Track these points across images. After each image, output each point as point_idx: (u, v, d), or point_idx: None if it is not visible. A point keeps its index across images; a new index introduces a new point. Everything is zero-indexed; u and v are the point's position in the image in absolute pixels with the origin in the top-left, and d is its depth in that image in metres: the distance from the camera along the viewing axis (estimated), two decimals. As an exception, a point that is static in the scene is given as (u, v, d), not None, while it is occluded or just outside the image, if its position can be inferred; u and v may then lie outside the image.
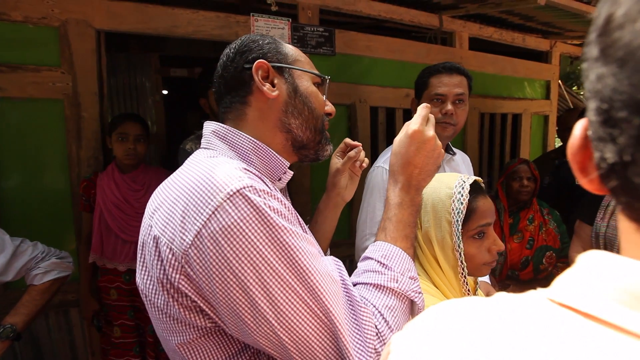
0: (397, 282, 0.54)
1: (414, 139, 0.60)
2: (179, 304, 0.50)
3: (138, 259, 0.55)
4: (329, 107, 0.66)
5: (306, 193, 1.89)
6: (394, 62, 2.11)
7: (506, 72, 2.59)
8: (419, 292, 0.56)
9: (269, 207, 0.48)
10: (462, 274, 0.73)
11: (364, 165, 0.81)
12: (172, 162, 2.22)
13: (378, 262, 0.56)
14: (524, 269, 1.70)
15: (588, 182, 0.24)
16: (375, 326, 0.50)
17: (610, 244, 1.27)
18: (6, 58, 1.40)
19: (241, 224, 0.46)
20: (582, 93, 4.71)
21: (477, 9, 2.06)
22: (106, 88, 1.62)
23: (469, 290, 0.75)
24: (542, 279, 1.69)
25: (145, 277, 0.53)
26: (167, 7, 1.60)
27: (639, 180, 0.19)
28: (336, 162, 0.81)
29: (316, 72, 0.65)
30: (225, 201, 0.46)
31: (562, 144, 2.58)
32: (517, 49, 2.74)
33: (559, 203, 1.91)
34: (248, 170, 0.52)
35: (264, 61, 0.60)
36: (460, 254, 0.72)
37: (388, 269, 0.55)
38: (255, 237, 0.46)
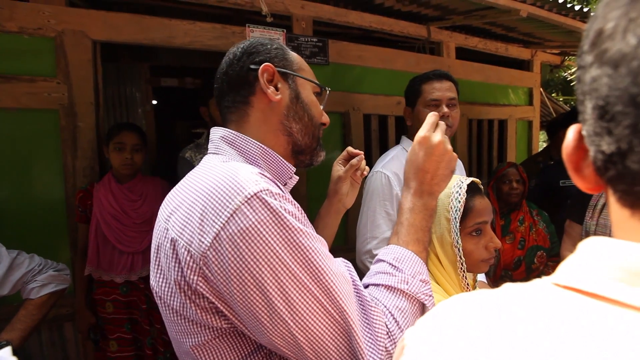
0: (407, 284, 0.55)
1: (422, 144, 0.62)
2: (195, 305, 0.50)
3: (153, 262, 0.56)
4: (325, 118, 0.69)
5: (303, 200, 1.91)
6: (385, 71, 2.18)
7: (491, 80, 2.70)
8: (430, 295, 0.57)
9: (285, 209, 0.49)
10: (462, 269, 0.77)
11: (365, 173, 0.84)
12: (162, 171, 2.21)
13: (390, 264, 0.57)
14: (517, 269, 1.75)
15: (582, 181, 0.27)
16: (386, 325, 0.51)
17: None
18: (0, 69, 1.38)
19: (259, 226, 0.47)
20: (561, 99, 4.92)
21: (463, 20, 2.15)
22: (102, 98, 1.61)
23: (468, 285, 0.79)
24: (534, 277, 1.75)
25: (161, 279, 0.53)
26: (164, 18, 1.62)
27: (636, 166, 0.22)
28: (338, 169, 0.83)
29: (318, 82, 0.68)
30: (243, 204, 0.47)
31: (545, 146, 2.69)
32: (500, 58, 2.86)
33: (544, 204, 1.98)
34: (263, 175, 0.53)
35: (271, 65, 0.61)
36: (458, 249, 0.76)
37: (399, 271, 0.56)
38: (273, 239, 0.47)
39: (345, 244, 2.02)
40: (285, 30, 1.82)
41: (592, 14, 0.27)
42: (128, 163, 1.47)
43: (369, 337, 0.50)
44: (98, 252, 1.45)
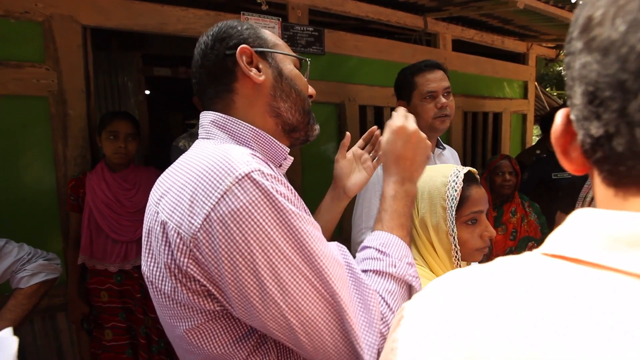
0: (395, 267, 0.56)
1: (399, 134, 0.64)
2: (187, 288, 0.50)
3: (144, 246, 0.55)
4: (311, 89, 0.67)
5: (298, 190, 1.89)
6: (381, 62, 2.16)
7: (487, 73, 2.70)
8: (416, 277, 0.58)
9: (277, 191, 0.48)
10: (456, 257, 0.78)
11: (380, 160, 0.79)
12: (155, 161, 2.18)
13: (376, 249, 0.58)
14: (509, 260, 1.78)
15: (569, 163, 0.28)
16: (380, 310, 0.52)
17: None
18: (-14, 54, 1.35)
19: (250, 207, 0.46)
20: (555, 94, 4.95)
21: (460, 11, 2.14)
22: (93, 85, 1.58)
23: None
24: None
25: (152, 264, 0.53)
26: (156, 4, 1.58)
27: (620, 148, 0.23)
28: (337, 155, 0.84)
29: (296, 54, 0.65)
30: (234, 185, 0.46)
31: (540, 138, 2.71)
32: (495, 51, 2.86)
33: (536, 196, 2.01)
34: (255, 155, 0.53)
35: (247, 46, 0.59)
36: (454, 238, 0.76)
37: (386, 256, 0.57)
38: (264, 220, 0.46)
39: (340, 234, 2.03)
40: (280, 19, 1.79)
41: (581, 1, 0.27)
42: (121, 152, 1.45)
43: (365, 321, 0.50)
44: (91, 241, 1.44)
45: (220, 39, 0.61)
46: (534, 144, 2.87)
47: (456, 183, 0.77)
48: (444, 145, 1.43)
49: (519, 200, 1.86)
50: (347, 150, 0.84)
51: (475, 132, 2.77)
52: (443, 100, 1.26)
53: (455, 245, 0.77)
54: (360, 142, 0.86)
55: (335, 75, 2.00)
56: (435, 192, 0.78)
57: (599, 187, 0.26)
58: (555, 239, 0.26)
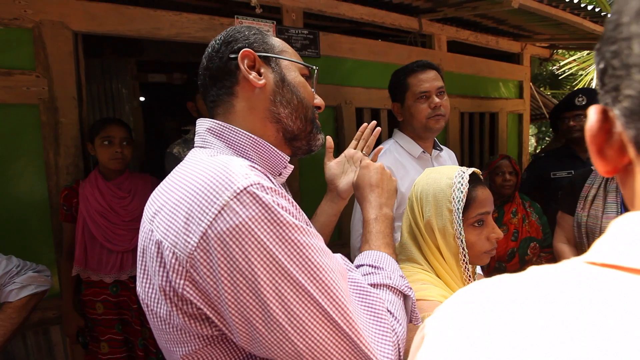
0: (391, 280, 0.57)
1: (368, 168, 0.73)
2: (182, 312, 0.47)
3: (138, 266, 0.53)
4: (318, 100, 0.66)
5: (296, 195, 1.88)
6: (376, 64, 2.15)
7: (483, 73, 2.71)
8: (410, 288, 0.60)
9: (278, 204, 0.46)
10: (464, 260, 0.75)
11: (377, 153, 0.90)
12: (151, 168, 2.14)
13: (370, 265, 0.59)
14: (511, 260, 1.76)
15: (603, 162, 0.26)
16: (391, 321, 0.51)
17: (592, 232, 1.34)
18: (-25, 61, 1.32)
19: (250, 223, 0.43)
20: (549, 93, 4.98)
21: (455, 12, 2.14)
22: (85, 92, 1.55)
23: (470, 276, 0.77)
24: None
25: (147, 285, 0.50)
26: (148, 8, 1.56)
27: None
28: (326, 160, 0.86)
29: (303, 62, 0.65)
30: (232, 199, 0.44)
31: (553, 137, 2.66)
32: (490, 51, 2.87)
33: (537, 196, 2.00)
34: (254, 167, 0.50)
35: (250, 50, 0.59)
36: (461, 240, 0.74)
37: (381, 270, 0.58)
38: (266, 236, 0.44)
39: (339, 238, 2.01)
40: (275, 22, 1.78)
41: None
42: (118, 157, 1.42)
43: (379, 334, 0.48)
44: (86, 251, 1.40)
45: (226, 43, 0.61)
46: (548, 142, 2.83)
47: (462, 184, 0.75)
48: (441, 146, 1.42)
49: (520, 201, 1.84)
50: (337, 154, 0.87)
51: (472, 133, 2.77)
52: (436, 100, 1.25)
53: (463, 249, 0.74)
54: (353, 142, 0.88)
55: (331, 78, 1.99)
56: (440, 195, 0.76)
57: None
58: (602, 247, 0.23)
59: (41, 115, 1.40)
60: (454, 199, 0.74)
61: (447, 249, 0.75)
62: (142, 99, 3.38)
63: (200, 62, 0.64)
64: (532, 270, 0.26)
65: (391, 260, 0.61)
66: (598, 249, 0.24)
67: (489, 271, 1.78)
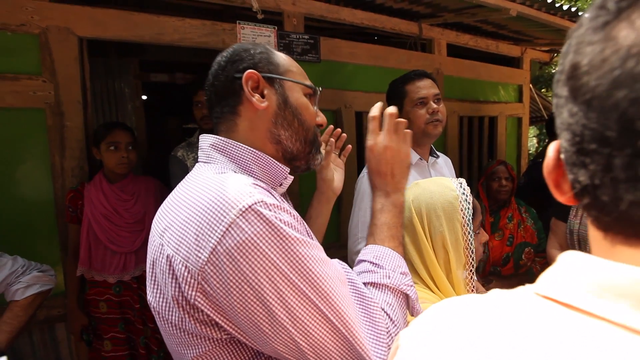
0: (389, 279, 0.58)
1: (372, 152, 0.68)
2: (194, 319, 0.51)
3: (148, 277, 0.56)
4: (320, 118, 0.68)
5: (295, 197, 1.91)
6: (377, 68, 2.18)
7: (482, 77, 2.72)
8: (411, 285, 0.60)
9: (280, 220, 0.49)
10: (472, 270, 0.75)
11: (346, 154, 0.90)
12: (153, 168, 2.17)
13: (371, 262, 0.60)
14: (505, 265, 1.79)
15: (561, 195, 0.28)
16: (386, 323, 0.54)
17: (584, 240, 1.37)
18: (-17, 67, 1.35)
19: (255, 238, 0.47)
20: (550, 96, 4.98)
21: (454, 17, 2.16)
22: (90, 93, 1.58)
23: (473, 287, 0.77)
24: (522, 273, 1.79)
25: (158, 295, 0.54)
26: (152, 14, 1.59)
27: (606, 199, 0.23)
28: None
29: (307, 83, 0.65)
30: (238, 217, 0.47)
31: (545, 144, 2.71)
32: (490, 55, 2.88)
33: (533, 201, 2.03)
34: (257, 185, 0.54)
35: (255, 72, 0.60)
36: (472, 251, 0.74)
37: (380, 268, 0.59)
38: (270, 250, 0.48)
39: (337, 240, 2.04)
40: (276, 27, 1.80)
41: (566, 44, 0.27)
42: (124, 162, 1.45)
43: (373, 336, 0.52)
44: (90, 252, 1.44)
45: (232, 61, 0.62)
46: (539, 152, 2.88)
47: (467, 195, 0.75)
48: (438, 153, 1.45)
49: (516, 206, 1.87)
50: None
51: (471, 137, 2.79)
52: (434, 105, 1.28)
53: (472, 259, 0.74)
54: (329, 147, 0.89)
55: (331, 82, 2.02)
56: (449, 208, 0.75)
57: (590, 225, 0.27)
58: (547, 280, 0.27)
59: (47, 119, 1.44)
60: (462, 210, 0.74)
61: (456, 261, 0.74)
62: (144, 98, 3.41)
63: (203, 63, 0.66)
64: (493, 294, 0.30)
65: (394, 255, 0.61)
66: (545, 280, 0.27)
67: (483, 275, 1.81)
